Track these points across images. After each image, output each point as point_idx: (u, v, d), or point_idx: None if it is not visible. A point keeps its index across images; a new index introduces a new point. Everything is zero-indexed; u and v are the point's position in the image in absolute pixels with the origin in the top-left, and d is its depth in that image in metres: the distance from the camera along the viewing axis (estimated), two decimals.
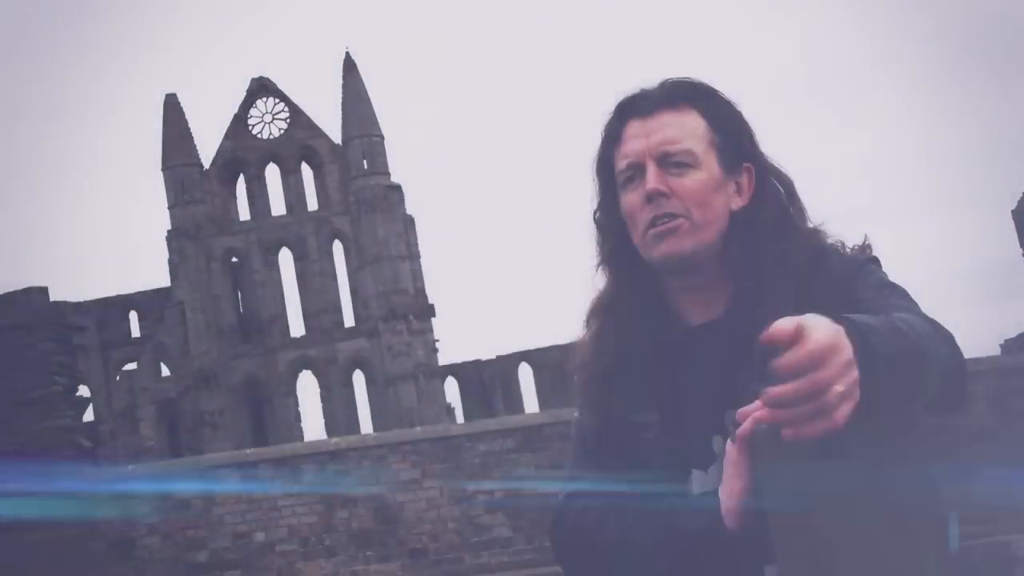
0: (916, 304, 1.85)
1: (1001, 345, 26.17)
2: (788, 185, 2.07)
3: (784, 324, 1.51)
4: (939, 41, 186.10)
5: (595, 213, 2.11)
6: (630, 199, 2.01)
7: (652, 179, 1.98)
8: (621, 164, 2.03)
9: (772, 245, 1.99)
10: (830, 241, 2.01)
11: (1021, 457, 17.25)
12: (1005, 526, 13.82)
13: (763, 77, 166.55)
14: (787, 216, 2.03)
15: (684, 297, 2.05)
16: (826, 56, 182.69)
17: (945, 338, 1.70)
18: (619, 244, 2.07)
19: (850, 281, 1.92)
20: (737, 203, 2.03)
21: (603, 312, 2.10)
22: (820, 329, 1.51)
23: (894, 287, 1.90)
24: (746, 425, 1.67)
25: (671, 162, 1.99)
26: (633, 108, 2.05)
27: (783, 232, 2.01)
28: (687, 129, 2.01)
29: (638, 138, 2.01)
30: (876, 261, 1.99)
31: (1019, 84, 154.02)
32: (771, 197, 2.04)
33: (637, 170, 2.00)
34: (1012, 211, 20.53)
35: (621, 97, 2.08)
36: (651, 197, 1.97)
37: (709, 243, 1.99)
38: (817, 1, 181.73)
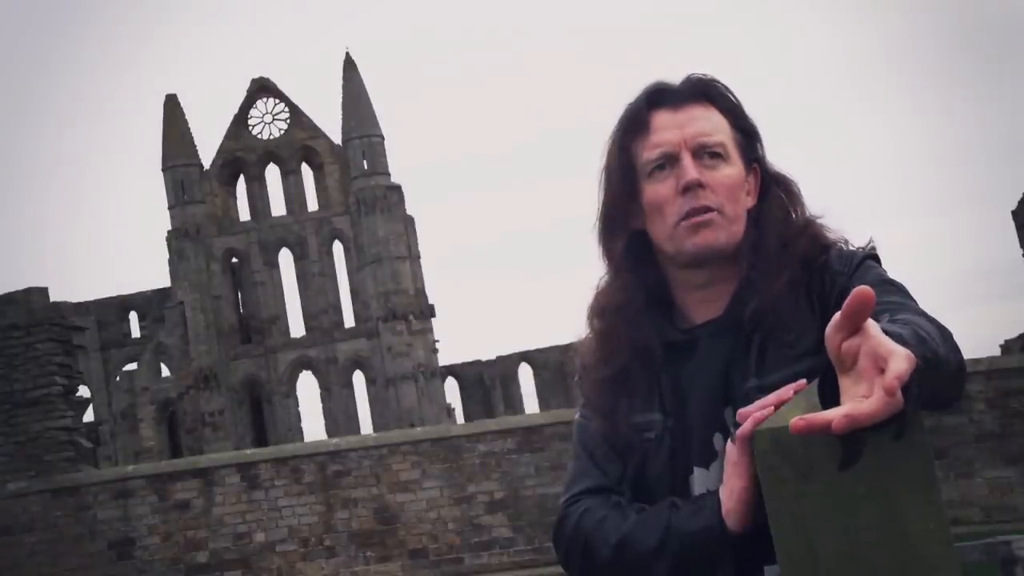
0: (915, 301, 1.85)
1: (1001, 345, 26.20)
2: (792, 187, 2.08)
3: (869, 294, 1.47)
4: (939, 41, 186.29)
5: (605, 207, 2.08)
6: (658, 189, 2.00)
7: (691, 169, 1.97)
8: (651, 154, 2.01)
9: (774, 243, 1.99)
10: (833, 237, 2.01)
11: (1021, 457, 17.27)
12: (1005, 526, 13.82)
13: (763, 77, 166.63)
14: (789, 216, 2.04)
15: (689, 293, 2.05)
16: (827, 57, 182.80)
17: (946, 337, 1.70)
18: (630, 240, 2.06)
19: (848, 276, 1.93)
20: (748, 202, 2.04)
21: (609, 312, 2.08)
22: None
23: (892, 283, 1.90)
24: (746, 425, 1.67)
25: (706, 154, 1.99)
26: (661, 99, 2.04)
27: (784, 231, 2.01)
28: (716, 124, 2.02)
29: (670, 129, 2.01)
30: (875, 257, 1.99)
31: (1019, 84, 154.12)
32: (775, 198, 2.05)
33: (669, 160, 2.00)
34: (1012, 211, 20.53)
35: (647, 87, 2.07)
36: (690, 187, 1.97)
37: (738, 239, 1.99)
38: (820, 1, 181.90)
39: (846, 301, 1.47)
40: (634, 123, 2.04)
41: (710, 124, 2.01)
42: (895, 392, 1.42)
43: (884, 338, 1.47)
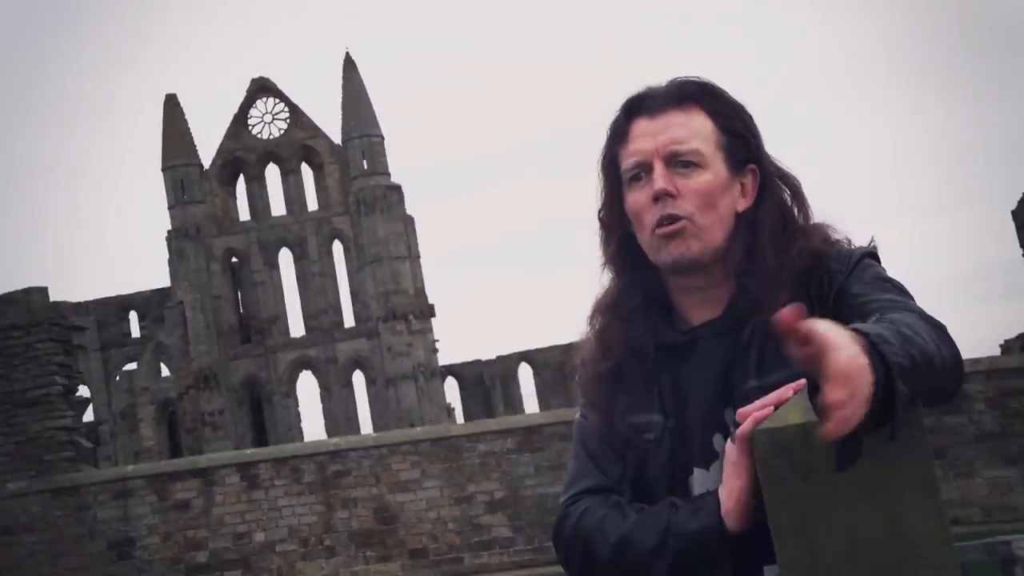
0: (912, 298, 1.86)
1: (1001, 345, 26.18)
2: (794, 187, 2.07)
3: (792, 315, 1.53)
4: (939, 41, 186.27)
5: (600, 211, 2.11)
6: (636, 198, 2.01)
7: (660, 179, 1.98)
8: (628, 163, 2.03)
9: (772, 245, 1.99)
10: (836, 237, 2.01)
11: (1021, 457, 17.28)
12: (1005, 526, 13.82)
13: (763, 77, 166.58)
14: (789, 217, 2.03)
15: (686, 296, 2.05)
16: (827, 57, 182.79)
17: (941, 333, 1.71)
18: (623, 243, 2.07)
19: (845, 275, 1.93)
20: (742, 204, 2.03)
21: (606, 310, 2.10)
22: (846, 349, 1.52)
23: (889, 281, 1.91)
24: (746, 425, 1.67)
25: (679, 162, 1.99)
26: (640, 107, 2.05)
27: (783, 232, 2.01)
28: (694, 129, 2.00)
29: (645, 137, 2.01)
30: (874, 255, 1.99)
31: (1019, 84, 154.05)
32: (774, 199, 2.04)
33: (644, 169, 2.00)
34: (1012, 211, 20.52)
35: (628, 95, 2.08)
36: (659, 197, 1.97)
37: (716, 245, 1.99)
38: (821, 2, 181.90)
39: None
40: (615, 131, 2.06)
41: (686, 130, 2.00)
42: (842, 419, 1.48)
43: (831, 357, 1.51)
